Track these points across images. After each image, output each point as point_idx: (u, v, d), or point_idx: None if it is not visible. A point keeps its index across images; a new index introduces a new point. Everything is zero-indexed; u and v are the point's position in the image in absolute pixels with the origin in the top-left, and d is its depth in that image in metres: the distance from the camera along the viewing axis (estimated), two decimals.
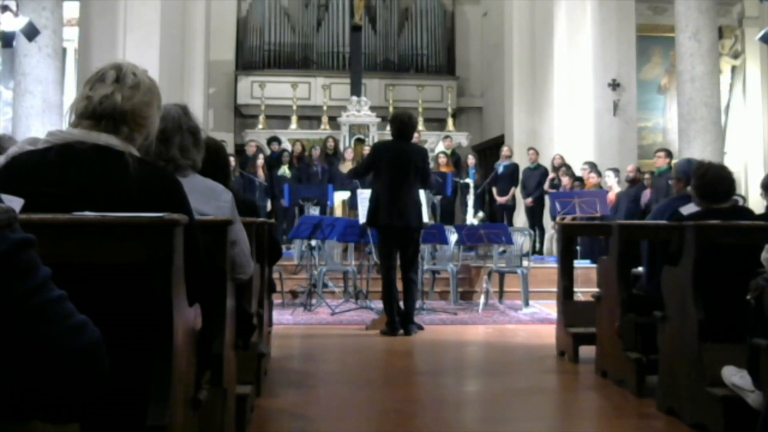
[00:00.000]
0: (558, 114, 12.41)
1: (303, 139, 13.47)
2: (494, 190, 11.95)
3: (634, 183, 10.00)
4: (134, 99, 1.83)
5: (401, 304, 6.34)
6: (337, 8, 16.37)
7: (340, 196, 11.69)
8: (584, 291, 6.87)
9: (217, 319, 2.28)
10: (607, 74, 11.67)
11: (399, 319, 6.27)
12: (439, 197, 10.69)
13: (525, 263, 8.54)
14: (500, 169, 11.92)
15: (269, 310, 5.03)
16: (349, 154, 12.49)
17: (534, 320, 7.31)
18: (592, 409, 4.14)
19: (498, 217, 11.79)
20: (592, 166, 10.49)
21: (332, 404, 4.03)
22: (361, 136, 13.62)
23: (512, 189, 11.89)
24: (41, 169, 1.75)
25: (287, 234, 9.93)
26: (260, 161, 11.84)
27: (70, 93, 10.02)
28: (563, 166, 10.88)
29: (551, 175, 11.22)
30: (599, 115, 11.71)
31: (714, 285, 3.38)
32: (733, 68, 12.81)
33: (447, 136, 13.67)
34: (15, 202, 1.27)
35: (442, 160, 12.30)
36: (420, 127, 13.81)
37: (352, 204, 10.68)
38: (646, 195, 9.65)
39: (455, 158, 12.92)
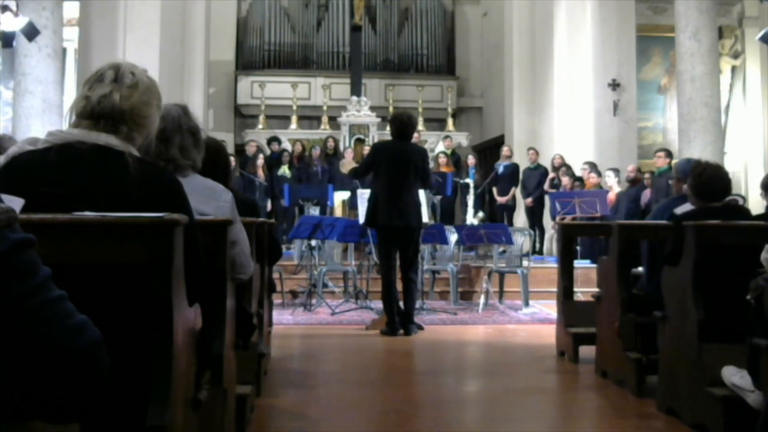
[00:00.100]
0: (558, 114, 12.41)
1: (303, 139, 13.47)
2: (494, 190, 11.95)
3: (635, 183, 10.00)
4: (133, 98, 1.83)
5: (401, 304, 6.35)
6: (337, 8, 16.37)
7: (340, 196, 11.68)
8: (584, 291, 6.87)
9: (217, 319, 2.28)
10: (607, 74, 11.67)
11: (399, 319, 6.27)
12: (439, 197, 10.68)
13: (525, 263, 8.54)
14: (500, 169, 11.92)
15: (269, 310, 5.03)
16: (349, 154, 12.49)
17: (534, 320, 7.31)
18: (592, 409, 4.14)
19: (498, 217, 11.79)
20: (592, 166, 10.49)
21: (332, 404, 4.03)
22: (361, 136, 13.62)
23: (512, 189, 11.88)
24: (41, 169, 1.75)
25: (287, 234, 9.93)
26: (260, 161, 11.84)
27: (70, 93, 10.02)
28: (563, 166, 10.88)
29: (551, 175, 11.22)
30: (599, 115, 11.71)
31: (714, 285, 3.38)
32: (733, 68, 12.81)
33: (447, 136, 13.67)
34: (15, 202, 1.27)
35: (442, 160, 12.30)
36: (420, 127, 13.81)
37: (352, 204, 10.68)
38: (646, 195, 9.65)
39: (455, 158, 12.92)
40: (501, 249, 8.78)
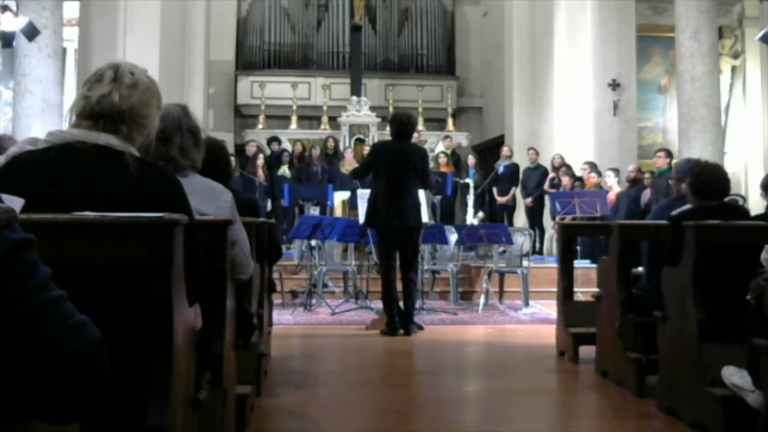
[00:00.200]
0: (558, 114, 12.41)
1: (303, 139, 13.48)
2: (495, 190, 11.95)
3: (635, 183, 10.00)
4: (132, 98, 1.83)
5: (401, 304, 6.35)
6: (337, 8, 16.37)
7: (340, 196, 11.69)
8: (584, 291, 6.87)
9: (217, 319, 2.28)
10: (607, 74, 11.67)
11: (399, 319, 6.27)
12: (439, 197, 10.68)
13: (525, 263, 8.54)
14: (501, 169, 11.92)
15: (269, 310, 5.03)
16: (349, 154, 12.50)
17: (534, 320, 7.31)
18: (592, 409, 4.14)
19: (498, 217, 11.79)
20: (592, 166, 10.49)
21: (332, 404, 4.03)
22: (361, 136, 13.62)
23: (513, 189, 11.88)
24: (41, 169, 1.75)
25: (287, 234, 9.93)
26: (260, 161, 11.84)
27: (70, 93, 10.02)
28: (563, 166, 10.88)
29: (551, 175, 11.22)
30: (599, 115, 11.71)
31: (714, 285, 3.38)
32: (733, 68, 12.81)
33: (447, 136, 13.67)
34: (15, 202, 1.27)
35: (442, 160, 12.30)
36: (420, 127, 13.80)
37: (352, 204, 10.68)
38: (646, 195, 9.65)
39: (455, 158, 12.92)
40: (501, 249, 8.78)
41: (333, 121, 14.19)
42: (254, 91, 15.30)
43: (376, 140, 12.69)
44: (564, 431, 3.71)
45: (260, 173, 11.67)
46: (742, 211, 3.97)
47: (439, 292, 8.84)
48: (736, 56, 12.81)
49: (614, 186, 10.24)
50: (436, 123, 15.61)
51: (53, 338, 0.95)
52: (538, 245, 11.25)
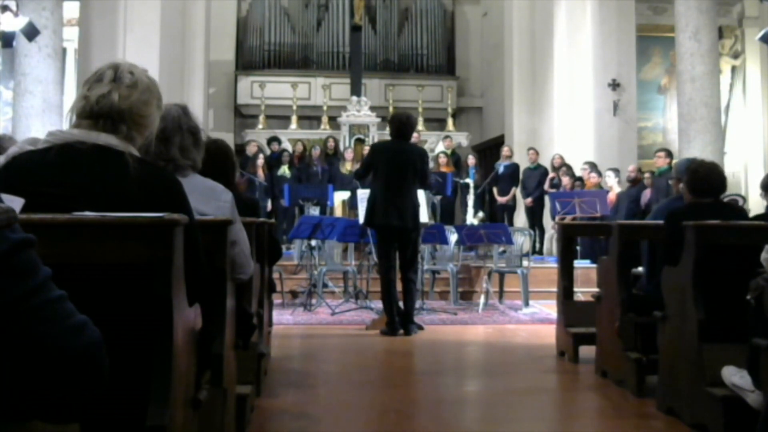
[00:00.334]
0: (558, 114, 12.41)
1: (303, 139, 13.48)
2: (495, 190, 11.95)
3: (635, 183, 10.00)
4: (132, 98, 1.83)
5: (401, 304, 6.35)
6: (337, 8, 16.37)
7: (340, 196, 11.69)
8: (584, 291, 6.87)
9: (217, 319, 2.28)
10: (607, 74, 11.67)
11: (399, 319, 6.27)
12: (439, 197, 10.68)
13: (525, 263, 8.54)
14: (501, 169, 11.92)
15: (269, 310, 5.03)
16: (349, 154, 12.50)
17: (534, 320, 7.31)
18: (592, 409, 4.14)
19: (498, 217, 11.79)
20: (593, 166, 10.49)
21: (332, 404, 4.03)
22: (361, 136, 13.62)
23: (513, 189, 11.88)
24: (41, 169, 1.75)
25: (287, 234, 9.93)
26: (260, 161, 11.84)
27: (70, 93, 10.02)
28: (563, 166, 10.88)
29: (551, 175, 11.22)
30: (599, 115, 11.71)
31: (714, 285, 3.38)
32: (733, 68, 12.81)
33: (447, 136, 13.67)
34: (15, 202, 1.27)
35: (442, 160, 12.30)
36: (420, 127, 13.80)
37: (352, 204, 10.68)
38: (646, 195, 9.64)
39: (455, 158, 12.92)
40: (501, 249, 8.78)
41: (333, 121, 14.19)
42: (254, 91, 15.30)
43: (376, 140, 12.69)
44: (564, 431, 3.71)
45: (260, 173, 11.67)
46: (737, 209, 3.97)
47: (439, 292, 8.84)
48: (736, 56, 12.81)
49: (614, 186, 10.24)
50: (436, 123, 15.61)
51: (53, 338, 0.95)
52: (538, 245, 11.25)
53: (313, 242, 8.28)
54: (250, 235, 2.90)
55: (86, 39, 10.71)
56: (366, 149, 12.22)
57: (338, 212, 11.54)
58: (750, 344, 2.83)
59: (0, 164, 1.83)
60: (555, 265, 6.47)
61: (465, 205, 12.13)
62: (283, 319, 7.11)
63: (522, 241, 8.70)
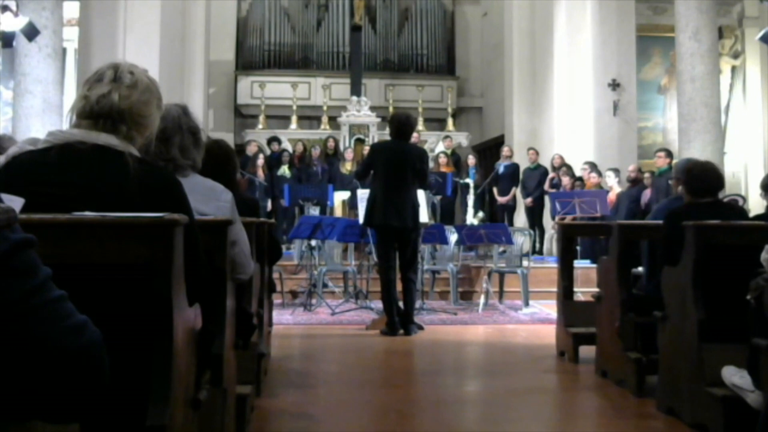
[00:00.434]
0: (558, 114, 12.41)
1: (303, 139, 13.48)
2: (495, 190, 11.95)
3: (635, 183, 10.00)
4: (132, 98, 1.83)
5: (401, 304, 6.35)
6: (337, 8, 16.37)
7: (340, 196, 11.69)
8: (584, 291, 6.87)
9: (217, 319, 2.28)
10: (607, 74, 11.67)
11: (399, 319, 6.27)
12: (439, 197, 10.68)
13: (525, 263, 8.54)
14: (501, 169, 11.92)
15: (269, 310, 5.03)
16: (349, 154, 12.50)
17: (534, 320, 7.31)
18: (592, 409, 4.14)
19: (498, 217, 11.79)
20: (593, 166, 10.49)
21: (332, 404, 4.03)
22: (361, 136, 13.62)
23: (513, 189, 11.88)
24: (41, 169, 1.75)
25: (287, 234, 9.93)
26: (260, 161, 11.85)
27: (70, 93, 10.01)
28: (563, 166, 10.88)
29: (551, 175, 11.22)
30: (599, 115, 11.71)
31: (714, 285, 3.38)
32: (733, 68, 12.81)
33: (447, 136, 13.67)
34: (15, 202, 1.27)
35: (442, 160, 12.30)
36: (420, 127, 13.81)
37: (352, 204, 10.68)
38: (646, 195, 9.64)
39: (455, 158, 12.92)
40: (501, 249, 8.78)
41: (333, 121, 14.19)
42: (254, 91, 15.30)
43: (376, 140, 12.69)
44: (564, 431, 3.71)
45: (260, 173, 11.68)
46: (737, 209, 3.97)
47: (439, 292, 8.84)
48: (736, 56, 12.81)
49: (614, 186, 10.24)
50: (436, 123, 15.61)
51: (53, 338, 0.95)
52: (538, 245, 11.25)
53: (313, 242, 8.28)
54: (250, 235, 2.90)
55: (86, 39, 10.70)
56: (366, 149, 12.22)
57: (338, 212, 11.54)
58: (750, 344, 2.83)
59: (0, 164, 1.83)
60: (555, 265, 6.47)
61: (465, 205, 12.13)
62: (283, 319, 7.11)
63: (522, 241, 8.70)
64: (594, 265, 6.54)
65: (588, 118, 11.78)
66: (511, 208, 12.06)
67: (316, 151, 12.43)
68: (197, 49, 13.59)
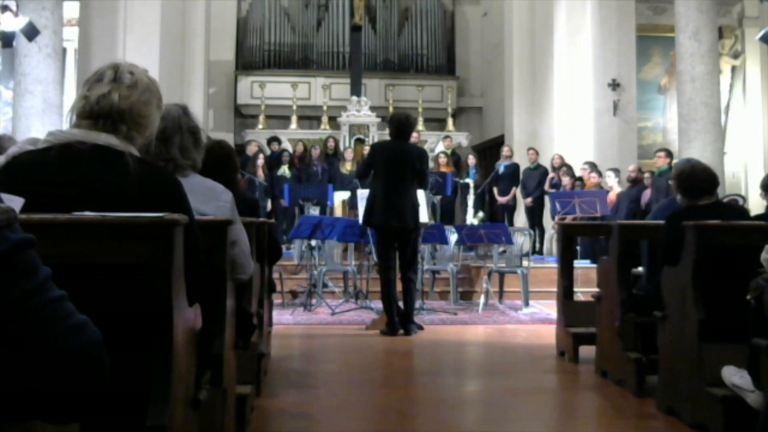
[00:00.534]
0: (558, 114, 12.41)
1: (303, 139, 13.49)
2: (495, 190, 11.95)
3: (635, 183, 10.00)
4: (132, 98, 1.83)
5: (401, 304, 6.35)
6: (337, 8, 16.37)
7: (340, 196, 11.69)
8: (584, 291, 6.88)
9: (217, 319, 2.28)
10: (607, 74, 11.67)
11: (399, 319, 6.27)
12: (439, 197, 10.69)
13: (525, 263, 8.54)
14: (501, 169, 11.92)
15: (269, 310, 5.03)
16: (349, 154, 12.51)
17: (534, 320, 7.31)
18: (592, 409, 4.14)
19: (498, 217, 11.79)
20: (593, 166, 10.49)
21: (332, 404, 4.03)
22: (361, 136, 13.62)
23: (513, 189, 11.88)
24: (41, 169, 1.75)
25: (287, 234, 9.93)
26: (260, 161, 11.85)
27: (70, 93, 10.02)
28: (563, 166, 10.88)
29: (551, 175, 11.22)
30: (599, 115, 11.71)
31: (714, 285, 3.38)
32: (733, 68, 12.81)
33: (447, 136, 13.67)
34: (15, 202, 1.27)
35: (442, 160, 12.30)
36: (420, 127, 13.81)
37: (352, 204, 10.68)
38: (646, 195, 9.64)
39: (455, 158, 12.92)
40: (501, 249, 8.78)
41: (333, 121, 14.19)
42: (254, 91, 15.30)
43: (375, 140, 12.69)
44: (564, 431, 3.71)
45: (260, 173, 11.68)
46: (738, 210, 3.97)
47: (439, 292, 8.84)
48: (736, 56, 12.81)
49: (614, 186, 10.24)
50: (436, 123, 15.61)
51: (53, 338, 0.95)
52: (538, 245, 11.25)
53: (313, 242, 8.28)
54: (250, 235, 2.90)
55: (86, 39, 10.71)
56: (366, 149, 12.23)
57: (338, 212, 11.54)
58: (750, 344, 2.83)
59: (0, 164, 1.83)
60: (555, 265, 6.47)
61: (465, 205, 12.13)
62: (283, 319, 7.11)
63: (522, 241, 8.70)
64: (594, 265, 6.54)
65: (588, 118, 11.78)
66: (511, 208, 12.06)
67: (316, 151, 12.43)
68: (197, 49, 13.59)
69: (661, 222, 4.11)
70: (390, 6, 16.81)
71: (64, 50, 9.80)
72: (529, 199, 11.56)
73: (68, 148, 1.75)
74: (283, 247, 6.25)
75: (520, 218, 12.27)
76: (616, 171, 10.38)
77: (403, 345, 5.95)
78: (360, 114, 13.78)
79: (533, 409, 4.00)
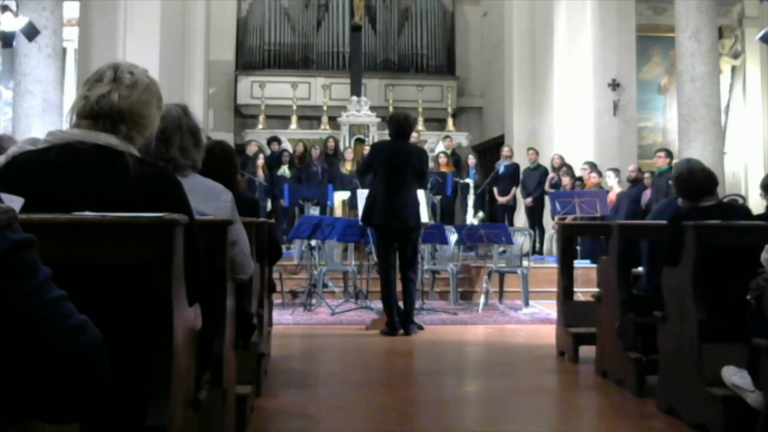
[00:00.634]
0: (558, 114, 12.41)
1: (303, 139, 13.49)
2: (495, 190, 11.95)
3: (635, 183, 10.00)
4: (131, 98, 1.83)
5: (401, 304, 6.35)
6: (337, 8, 16.37)
7: (340, 196, 11.69)
8: (584, 291, 6.88)
9: (217, 319, 2.28)
10: (607, 74, 11.67)
11: (399, 319, 6.27)
12: (439, 197, 10.69)
13: (525, 263, 8.54)
14: (501, 169, 11.92)
15: (269, 310, 5.03)
16: (349, 154, 12.51)
17: (534, 320, 7.31)
18: (592, 409, 4.14)
19: (498, 217, 11.79)
20: (593, 166, 10.49)
21: (332, 404, 4.03)
22: (361, 136, 13.62)
23: (513, 189, 11.88)
24: (41, 169, 1.75)
25: (287, 234, 9.93)
26: (260, 161, 11.85)
27: (70, 93, 10.02)
28: (563, 166, 10.88)
29: (551, 175, 11.22)
30: (599, 115, 11.71)
31: (714, 285, 3.38)
32: (733, 68, 12.81)
33: (447, 136, 13.67)
34: (15, 202, 1.27)
35: (443, 160, 12.30)
36: (420, 127, 13.81)
37: (352, 204, 10.68)
38: (646, 195, 9.64)
39: (455, 158, 12.92)
40: (501, 249, 8.78)
41: (333, 121, 14.19)
42: (254, 91, 15.30)
43: (375, 140, 12.69)
44: (564, 431, 3.71)
45: (260, 173, 11.68)
46: (741, 210, 3.97)
47: (439, 292, 8.84)
48: (736, 56, 12.81)
49: (614, 186, 10.24)
50: (436, 123, 15.61)
51: (53, 338, 0.95)
52: (538, 245, 11.25)
53: (313, 242, 8.28)
54: (250, 235, 2.90)
55: (86, 39, 10.71)
56: (366, 149, 12.23)
57: (338, 212, 11.54)
58: (750, 344, 2.83)
59: (0, 164, 1.83)
60: (555, 265, 6.47)
61: (465, 205, 12.13)
62: (283, 319, 7.11)
63: (522, 241, 8.70)
64: (594, 265, 6.53)
65: (588, 118, 11.78)
66: (511, 208, 12.06)
67: (316, 151, 12.43)
68: (197, 49, 13.59)
69: (662, 222, 4.11)
70: (390, 6, 16.81)
71: (64, 50, 9.80)
72: (529, 199, 11.56)
73: (68, 148, 1.75)
74: (283, 247, 6.25)
75: (520, 218, 12.27)
76: (616, 171, 10.38)
77: (403, 345, 5.95)
78: (360, 114, 13.78)
79: (533, 409, 4.00)
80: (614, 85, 11.64)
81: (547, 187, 11.12)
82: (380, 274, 6.49)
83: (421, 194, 6.66)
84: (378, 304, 6.94)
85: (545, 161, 11.71)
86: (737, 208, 4.09)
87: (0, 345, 0.92)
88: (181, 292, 1.76)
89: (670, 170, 8.06)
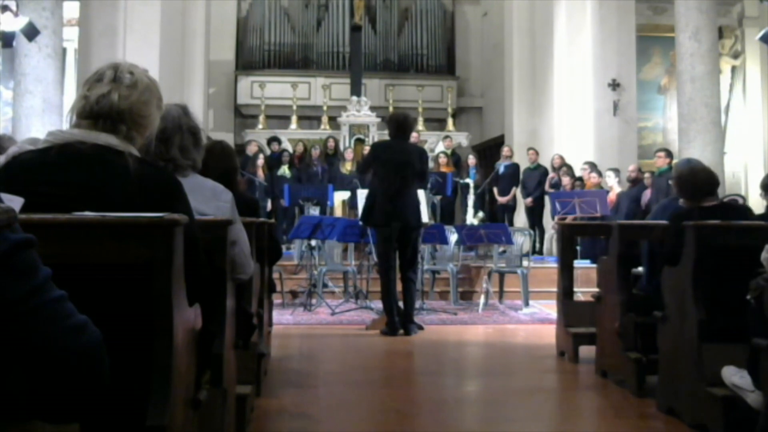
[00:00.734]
0: (558, 114, 12.41)
1: (303, 139, 13.49)
2: (495, 190, 11.95)
3: (635, 183, 10.00)
4: (131, 98, 1.83)
5: (401, 304, 6.34)
6: (337, 8, 16.36)
7: (340, 196, 11.69)
8: (584, 291, 6.87)
9: (217, 319, 2.28)
10: (607, 74, 11.66)
11: (399, 319, 6.27)
12: (439, 197, 10.69)
13: (525, 263, 8.54)
14: (501, 169, 11.92)
15: (269, 310, 5.03)
16: (349, 154, 12.51)
17: (534, 320, 7.31)
18: (592, 409, 4.14)
19: (498, 217, 11.79)
20: (593, 166, 10.49)
21: (332, 404, 4.03)
22: (361, 136, 13.61)
23: (513, 189, 11.88)
24: (41, 169, 1.75)
25: (287, 234, 9.93)
26: (260, 161, 11.86)
27: (70, 93, 10.02)
28: (563, 166, 10.88)
29: (551, 175, 11.22)
30: (599, 115, 11.70)
31: (714, 285, 3.38)
32: (733, 68, 12.80)
33: (447, 136, 13.67)
34: (15, 202, 1.27)
35: (443, 160, 12.30)
36: (420, 127, 13.81)
37: (352, 204, 10.68)
38: (646, 195, 9.64)
39: (455, 158, 12.92)
40: (501, 249, 8.78)
41: (333, 121, 14.19)
42: (254, 91, 15.30)
43: (375, 140, 12.69)
44: (564, 431, 3.71)
45: (260, 173, 11.68)
46: (742, 210, 3.97)
47: (439, 292, 8.84)
48: (736, 56, 12.81)
49: (615, 186, 10.24)
50: (436, 123, 15.61)
51: (53, 338, 0.95)
52: (538, 245, 11.25)
53: (313, 242, 8.28)
54: (250, 235, 2.90)
55: (86, 39, 10.71)
56: (366, 149, 12.22)
57: (338, 212, 11.54)
58: (750, 344, 2.83)
59: (0, 164, 1.83)
60: (555, 265, 6.47)
61: (465, 205, 12.13)
62: (283, 319, 7.11)
63: (522, 241, 8.70)
64: (594, 265, 6.53)
65: (588, 118, 11.78)
66: (511, 208, 12.06)
67: (316, 151, 12.43)
68: (197, 49, 13.59)
69: (662, 222, 4.11)
70: (390, 6, 16.81)
71: (64, 50, 9.80)
72: (529, 199, 11.56)
73: (68, 147, 1.75)
74: (283, 247, 6.25)
75: (520, 218, 12.26)
76: (616, 171, 10.38)
77: (403, 345, 5.94)
78: (360, 114, 13.78)
79: (533, 409, 4.00)
80: (614, 85, 11.63)
81: (547, 187, 11.12)
82: (380, 274, 6.49)
83: (421, 194, 6.66)
84: (378, 304, 6.94)
85: (545, 161, 11.71)
86: (738, 208, 4.09)
87: (0, 345, 0.92)
88: (181, 292, 1.76)
89: (670, 170, 8.06)
